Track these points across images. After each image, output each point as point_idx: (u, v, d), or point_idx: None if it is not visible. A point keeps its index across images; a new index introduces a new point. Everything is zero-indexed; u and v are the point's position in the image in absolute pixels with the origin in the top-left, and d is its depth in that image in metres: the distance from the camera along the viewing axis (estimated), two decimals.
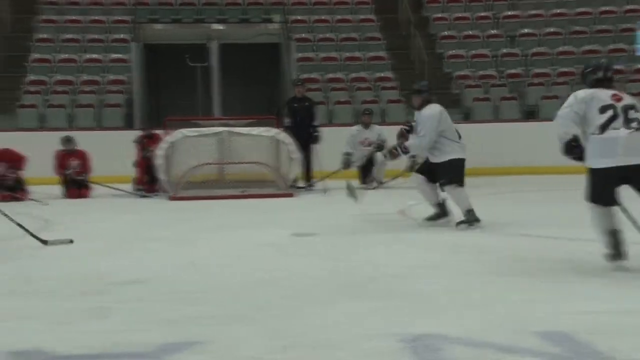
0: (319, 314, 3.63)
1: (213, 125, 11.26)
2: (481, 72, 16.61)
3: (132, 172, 11.12)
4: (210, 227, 7.11)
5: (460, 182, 6.63)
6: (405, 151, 7.01)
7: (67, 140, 11.10)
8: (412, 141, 6.93)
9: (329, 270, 4.82)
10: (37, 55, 16.73)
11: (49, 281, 4.51)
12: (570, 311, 3.57)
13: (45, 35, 17.35)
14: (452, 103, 15.84)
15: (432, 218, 6.87)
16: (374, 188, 10.68)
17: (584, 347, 3.00)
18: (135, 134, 11.57)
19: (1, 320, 3.54)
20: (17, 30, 17.52)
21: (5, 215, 6.08)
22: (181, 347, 3.06)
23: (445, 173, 6.63)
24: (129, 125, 15.10)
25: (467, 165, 6.78)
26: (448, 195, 6.73)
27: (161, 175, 10.39)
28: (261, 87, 18.13)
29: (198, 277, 4.66)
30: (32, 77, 16.18)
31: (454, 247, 5.69)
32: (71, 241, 6.03)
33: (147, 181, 10.91)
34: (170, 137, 10.46)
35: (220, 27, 17.85)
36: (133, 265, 5.07)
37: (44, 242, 5.90)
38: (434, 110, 6.73)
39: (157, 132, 11.18)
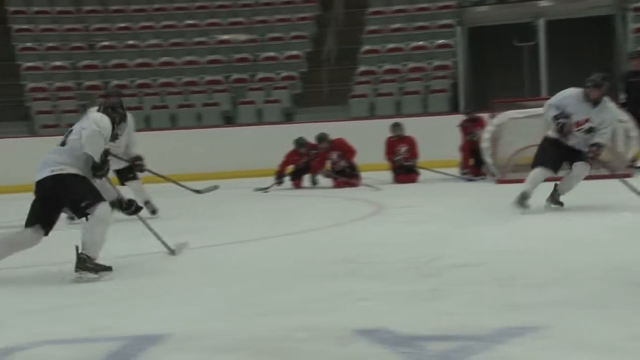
0: None
1: (541, 106, 10.87)
2: None
3: (457, 156, 11.19)
4: (535, 210, 6.84)
5: None
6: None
7: (396, 127, 11.46)
8: (600, 139, 6.74)
9: None
10: (367, 47, 17.56)
11: (387, 264, 4.65)
12: None
13: (374, 27, 18.14)
14: None
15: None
16: None
17: None
18: (460, 118, 11.60)
19: (349, 300, 3.71)
20: (349, 24, 18.55)
21: (144, 222, 5.53)
22: (519, 332, 2.95)
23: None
24: (454, 109, 15.21)
25: None
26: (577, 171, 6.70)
27: (487, 159, 10.30)
28: (591, 63, 17.13)
29: (530, 262, 4.50)
30: (362, 68, 17.04)
31: None
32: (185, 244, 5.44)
33: (473, 165, 10.91)
34: (496, 120, 10.32)
35: (548, 3, 17.21)
36: (464, 249, 5.06)
37: (172, 251, 5.35)
38: (613, 104, 6.82)
39: (481, 115, 11.09)
